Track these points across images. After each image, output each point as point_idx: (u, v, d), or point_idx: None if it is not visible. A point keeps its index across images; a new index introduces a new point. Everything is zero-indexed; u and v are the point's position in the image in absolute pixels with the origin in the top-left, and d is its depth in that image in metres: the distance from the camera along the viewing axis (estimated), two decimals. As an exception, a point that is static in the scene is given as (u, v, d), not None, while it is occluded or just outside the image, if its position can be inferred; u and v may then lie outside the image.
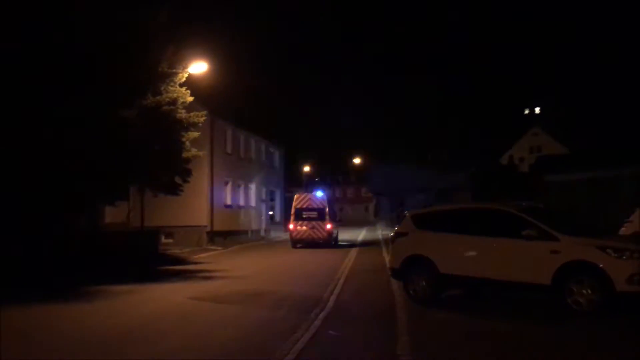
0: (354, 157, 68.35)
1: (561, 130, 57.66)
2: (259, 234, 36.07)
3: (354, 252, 23.40)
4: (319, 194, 28.14)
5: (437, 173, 50.06)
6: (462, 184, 42.23)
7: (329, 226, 26.82)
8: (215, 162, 29.00)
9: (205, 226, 27.90)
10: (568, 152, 42.93)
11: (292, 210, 27.22)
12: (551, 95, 69.01)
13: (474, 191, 36.91)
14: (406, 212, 11.69)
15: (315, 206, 27.26)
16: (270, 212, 40.50)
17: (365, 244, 30.02)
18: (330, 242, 26.88)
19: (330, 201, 29.91)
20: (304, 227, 26.74)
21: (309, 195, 27.68)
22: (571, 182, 18.07)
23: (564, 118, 58.86)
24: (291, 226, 27.06)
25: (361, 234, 41.19)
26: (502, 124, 66.50)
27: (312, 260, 20.27)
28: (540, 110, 72.48)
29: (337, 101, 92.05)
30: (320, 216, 26.91)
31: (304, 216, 26.91)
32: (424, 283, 10.38)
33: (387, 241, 28.38)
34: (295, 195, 28.34)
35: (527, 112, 73.33)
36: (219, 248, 25.81)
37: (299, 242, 26.85)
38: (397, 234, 11.23)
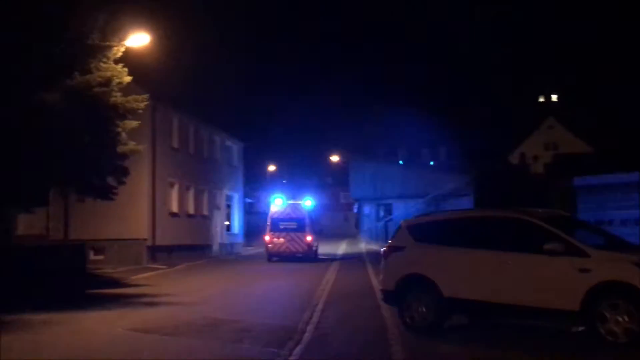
0: (330, 155, 68.57)
1: (582, 123, 58.69)
2: (214, 249, 35.90)
3: (332, 270, 23.58)
4: (308, 202, 30.53)
5: (432, 175, 50.43)
6: (461, 189, 42.61)
7: (309, 238, 29.05)
8: (158, 158, 28.80)
9: (146, 240, 27.76)
10: (591, 150, 43.69)
11: (268, 221, 29.52)
12: (572, 78, 70.18)
13: (477, 197, 37.31)
14: (402, 221, 11.71)
15: (294, 216, 29.53)
16: (227, 222, 40.35)
17: (346, 260, 30.17)
18: (310, 255, 29.19)
19: (313, 210, 32.27)
20: (282, 239, 28.97)
21: (289, 204, 30.03)
22: (600, 186, 18.36)
23: (586, 110, 59.94)
24: (267, 237, 29.32)
25: (340, 248, 41.23)
26: (511, 114, 67.35)
27: (283, 281, 20.37)
28: (559, 98, 73.60)
29: (316, 90, 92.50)
30: (300, 227, 29.09)
31: (281, 227, 29.17)
32: (424, 309, 10.41)
33: (373, 257, 28.70)
34: (272, 204, 30.52)
35: (542, 99, 74.34)
36: (163, 267, 25.72)
37: (275, 256, 29.02)
38: (391, 249, 11.25)
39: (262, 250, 38.63)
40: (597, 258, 9.04)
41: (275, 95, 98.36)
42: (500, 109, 66.18)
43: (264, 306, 14.29)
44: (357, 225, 66.05)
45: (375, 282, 17.74)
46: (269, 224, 29.51)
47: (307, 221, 29.64)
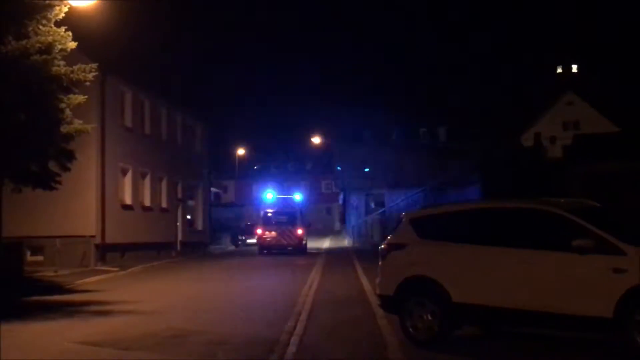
0: (311, 137, 68.50)
1: (607, 99, 59.04)
2: (175, 247, 35.85)
3: (316, 272, 23.68)
4: (297, 196, 39.78)
5: (431, 160, 50.71)
6: (465, 176, 42.81)
7: (299, 232, 35.53)
8: (108, 140, 28.74)
9: (93, 237, 27.77)
10: (618, 130, 43.99)
11: (261, 214, 36.73)
12: (595, 44, 70.42)
13: (484, 185, 37.55)
14: (403, 214, 11.70)
15: (285, 210, 36.50)
16: (189, 217, 40.28)
17: (331, 261, 30.22)
18: (301, 248, 35.65)
19: (303, 204, 41.14)
20: (273, 233, 35.32)
21: (279, 198, 38.27)
22: (632, 171, 18.45)
23: (612, 82, 60.30)
24: (259, 231, 35.98)
25: (324, 245, 41.49)
26: (523, 87, 67.54)
27: (261, 282, 20.62)
28: (579, 69, 73.88)
29: (293, 62, 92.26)
30: (291, 221, 35.56)
31: (273, 221, 35.67)
32: (429, 317, 10.43)
33: (362, 257, 28.84)
34: (265, 195, 39.17)
35: (560, 70, 74.59)
36: (115, 269, 25.74)
37: (267, 249, 35.45)
38: (390, 246, 11.24)
39: (231, 249, 38.78)
40: (635, 256, 9.06)
41: (246, 69, 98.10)
42: (510, 80, 66.46)
43: (240, 313, 14.31)
44: (343, 218, 66.18)
45: (367, 285, 17.78)
46: (261, 217, 36.20)
47: (298, 215, 36.01)
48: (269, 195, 41.14)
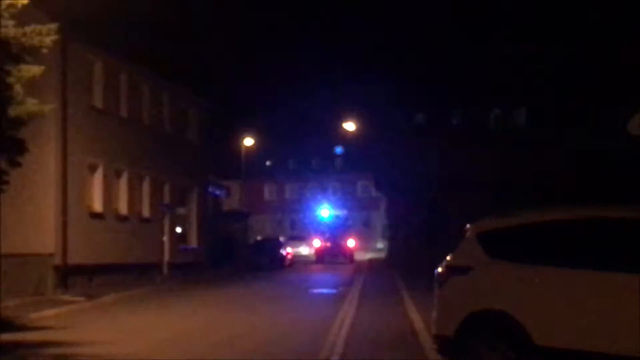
0: (342, 123, 68.40)
1: None
2: (160, 270, 35.87)
3: (349, 305, 23.75)
4: (334, 212, 68.79)
5: (504, 151, 50.57)
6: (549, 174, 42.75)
7: (349, 244, 59.85)
8: (72, 126, 28.86)
9: (52, 255, 27.84)
10: None
11: (318, 229, 65.08)
12: None
13: (578, 185, 37.55)
14: (468, 226, 11.59)
15: (336, 224, 67.05)
16: (179, 229, 40.35)
17: (368, 295, 30.15)
18: (350, 258, 57.84)
19: (346, 220, 73.42)
20: (328, 244, 59.29)
21: (332, 214, 71.07)
22: None
23: None
24: (317, 243, 61.43)
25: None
26: (623, 50, 66.93)
27: (270, 319, 20.53)
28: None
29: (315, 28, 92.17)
30: (341, 234, 62.35)
31: (327, 234, 61.82)
32: (504, 365, 10.35)
33: (412, 285, 28.66)
34: (320, 212, 72.10)
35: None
36: (80, 299, 25.80)
37: (323, 259, 57.34)
38: (451, 270, 11.23)
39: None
40: None
41: (254, 35, 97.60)
42: (604, 41, 65.75)
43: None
44: (390, 234, 66.03)
45: (419, 321, 17.69)
46: (318, 231, 63.43)
47: (346, 230, 61.48)
48: (325, 212, 73.25)
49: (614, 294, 9.84)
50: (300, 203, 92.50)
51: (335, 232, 64.05)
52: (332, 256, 57.04)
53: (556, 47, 54.06)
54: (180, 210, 40.60)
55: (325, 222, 71.97)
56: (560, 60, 55.92)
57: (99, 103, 31.71)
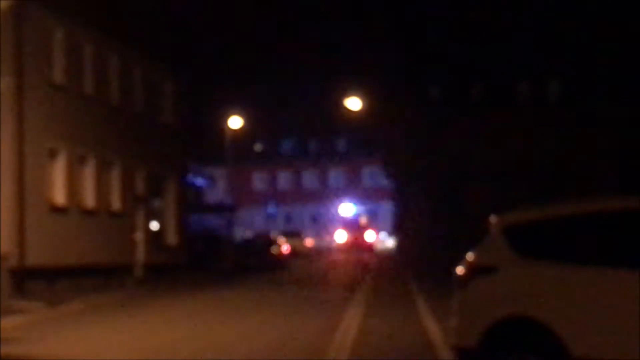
0: (345, 99, 68.42)
1: None
2: (132, 272, 35.91)
3: (354, 311, 24.00)
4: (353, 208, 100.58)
5: (534, 129, 50.80)
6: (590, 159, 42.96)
7: (370, 237, 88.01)
8: (29, 105, 29.13)
9: (7, 256, 27.96)
10: None
11: (341, 223, 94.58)
12: None
13: (622, 172, 37.79)
14: (492, 219, 11.52)
15: (358, 219, 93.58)
16: (155, 224, 40.38)
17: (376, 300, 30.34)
18: (371, 250, 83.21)
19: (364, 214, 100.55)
20: (352, 238, 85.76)
21: (353, 208, 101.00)
22: None
23: None
24: (341, 236, 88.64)
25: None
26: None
27: (265, 325, 20.96)
28: None
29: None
30: (363, 228, 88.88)
31: (351, 228, 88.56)
32: (536, 382, 10.38)
33: (424, 290, 28.76)
34: (344, 209, 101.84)
35: None
36: (40, 305, 25.94)
37: (346, 251, 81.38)
38: (473, 269, 11.14)
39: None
40: None
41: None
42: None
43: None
44: (397, 231, 66.36)
45: (436, 332, 17.65)
46: (342, 223, 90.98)
47: (366, 223, 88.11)
48: (347, 210, 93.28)
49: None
50: (297, 194, 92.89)
51: (357, 227, 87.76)
52: (356, 248, 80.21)
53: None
54: (156, 203, 40.63)
55: (346, 219, 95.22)
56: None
57: (59, 78, 31.71)
